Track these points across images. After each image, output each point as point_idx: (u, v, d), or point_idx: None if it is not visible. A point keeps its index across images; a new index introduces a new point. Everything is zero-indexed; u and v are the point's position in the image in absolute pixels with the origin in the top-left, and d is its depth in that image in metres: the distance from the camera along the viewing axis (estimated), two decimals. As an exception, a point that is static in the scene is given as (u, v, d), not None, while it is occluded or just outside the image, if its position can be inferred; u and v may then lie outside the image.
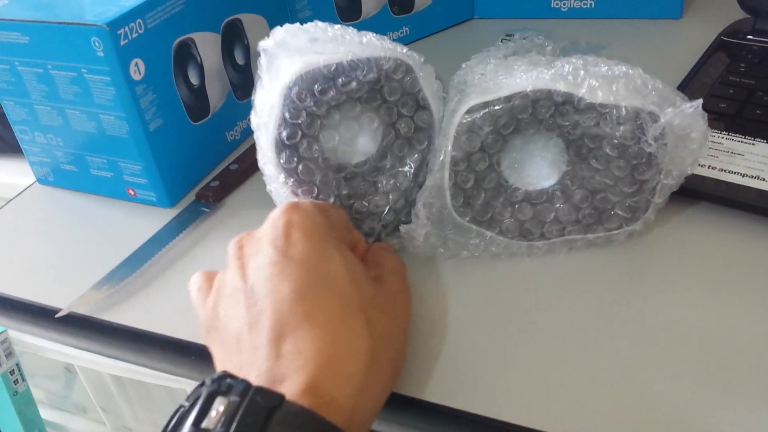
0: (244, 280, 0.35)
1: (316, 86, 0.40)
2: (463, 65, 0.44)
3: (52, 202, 0.55)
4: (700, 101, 0.38)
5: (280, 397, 0.29)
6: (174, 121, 0.51)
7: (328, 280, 0.34)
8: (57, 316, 0.44)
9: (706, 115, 0.38)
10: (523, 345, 0.38)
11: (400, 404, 0.36)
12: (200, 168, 0.55)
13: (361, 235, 0.41)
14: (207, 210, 0.51)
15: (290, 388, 0.30)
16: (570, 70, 0.38)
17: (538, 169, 0.42)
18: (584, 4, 0.70)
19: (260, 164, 0.43)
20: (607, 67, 0.39)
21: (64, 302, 0.44)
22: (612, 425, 0.34)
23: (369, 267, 0.38)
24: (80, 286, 0.45)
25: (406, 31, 0.70)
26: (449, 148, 0.40)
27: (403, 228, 0.42)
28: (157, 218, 0.50)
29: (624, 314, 0.39)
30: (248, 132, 0.58)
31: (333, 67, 0.40)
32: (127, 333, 0.43)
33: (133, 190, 0.52)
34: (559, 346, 0.38)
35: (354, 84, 0.40)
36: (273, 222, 0.36)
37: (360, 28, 0.67)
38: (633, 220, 0.42)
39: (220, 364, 0.34)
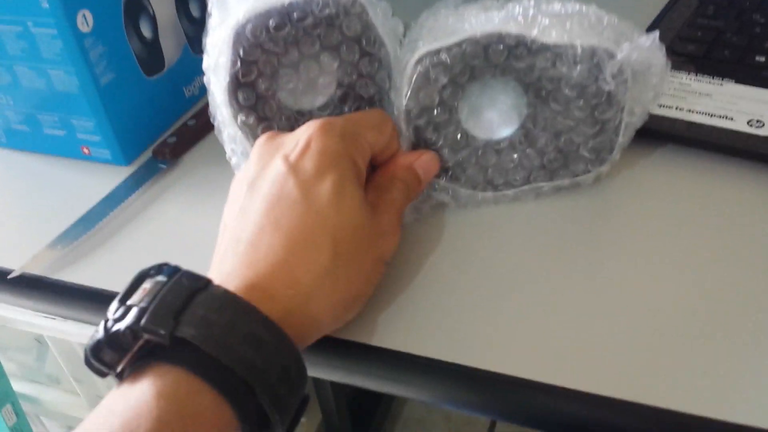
0: (251, 179, 0.36)
1: (270, 21, 0.38)
2: (412, 23, 0.42)
3: (4, 164, 0.53)
4: (656, 33, 0.37)
5: (206, 281, 0.30)
6: (126, 75, 0.49)
7: (312, 198, 0.34)
8: (9, 277, 0.43)
9: (663, 47, 0.37)
10: (494, 293, 0.37)
11: (365, 352, 0.36)
12: (157, 124, 0.53)
13: (395, 139, 0.40)
14: (164, 167, 0.49)
15: (234, 282, 0.31)
16: (521, 11, 0.37)
17: (499, 115, 0.41)
18: (553, -49, 0.68)
19: (211, 109, 0.41)
20: (560, 6, 0.37)
21: (17, 263, 0.43)
22: (584, 369, 0.33)
23: (374, 188, 0.38)
24: (34, 247, 0.44)
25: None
26: (404, 101, 0.39)
27: None
28: (113, 176, 0.49)
29: (594, 259, 0.39)
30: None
31: (287, 3, 0.38)
32: (83, 292, 0.42)
33: (87, 148, 0.50)
34: (531, 293, 0.37)
35: (310, 19, 0.39)
36: (296, 136, 0.36)
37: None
38: (599, 162, 0.41)
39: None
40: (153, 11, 0.50)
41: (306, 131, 0.36)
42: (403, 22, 0.59)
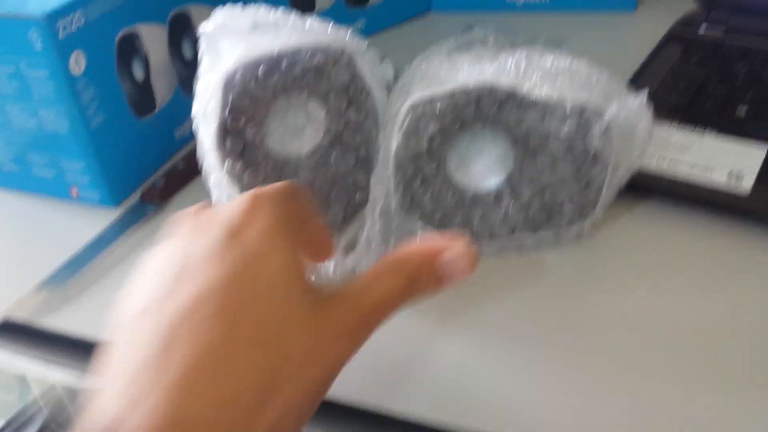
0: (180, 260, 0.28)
1: (260, 69, 0.39)
2: (406, 67, 0.43)
3: (-8, 204, 0.53)
4: (645, 93, 0.37)
5: None
6: (117, 116, 0.49)
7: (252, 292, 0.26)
8: (-6, 320, 0.42)
9: (651, 107, 0.38)
10: (475, 346, 0.38)
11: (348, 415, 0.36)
12: (146, 166, 0.53)
13: (326, 232, 0.34)
14: (152, 210, 0.49)
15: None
16: (513, 64, 0.38)
17: (486, 166, 0.41)
18: (540, -3, 0.69)
19: (199, 154, 0.41)
20: (551, 60, 0.38)
21: (2, 306, 0.43)
22: (566, 424, 0.33)
23: (370, 274, 0.30)
24: (20, 290, 0.44)
25: (361, 24, 0.69)
26: (393, 147, 0.39)
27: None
28: (101, 219, 0.49)
29: (575, 312, 0.39)
30: (198, 128, 0.57)
31: (276, 51, 0.39)
32: (68, 338, 0.42)
33: (76, 189, 0.50)
34: (512, 345, 0.37)
35: (299, 68, 0.39)
36: (229, 211, 0.29)
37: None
38: (582, 217, 0.42)
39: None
40: (146, 53, 0.51)
41: (239, 206, 0.29)
42: (395, 65, 0.60)
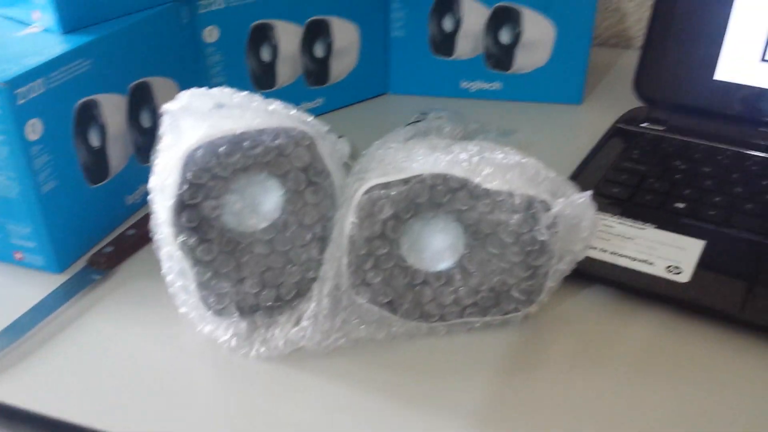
0: None
1: (221, 148, 0.39)
2: (363, 152, 0.44)
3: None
4: (589, 193, 0.39)
5: None
6: (69, 183, 0.49)
7: None
8: (-77, 388, 0.41)
9: (594, 205, 0.40)
10: (424, 423, 0.38)
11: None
12: (95, 232, 0.53)
13: None
14: (98, 277, 0.48)
15: None
16: (467, 156, 0.39)
17: (438, 251, 0.42)
18: (491, 86, 0.72)
19: (152, 225, 0.41)
20: (502, 155, 0.40)
21: (-67, 373, 0.41)
22: None
23: None
24: (-47, 356, 0.42)
25: (320, 102, 0.71)
26: (347, 230, 0.40)
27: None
28: (45, 284, 0.48)
29: (520, 394, 0.40)
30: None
31: (239, 132, 0.39)
32: (4, 408, 0.40)
33: (20, 253, 0.49)
34: (456, 423, 0.38)
35: (260, 148, 0.40)
36: None
37: (275, 97, 0.68)
38: (528, 303, 0.43)
39: None
40: (104, 121, 0.51)
41: None
42: (351, 142, 0.62)
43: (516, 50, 0.70)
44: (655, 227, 0.50)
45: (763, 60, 0.60)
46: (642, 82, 0.65)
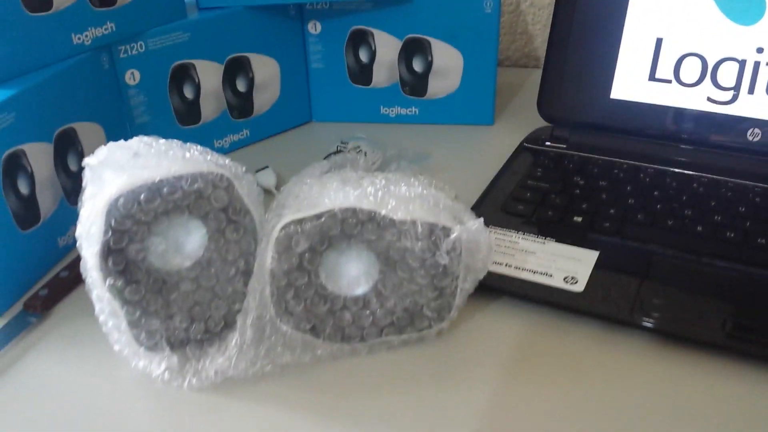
0: None
1: (142, 195, 0.42)
2: (282, 188, 0.48)
3: None
4: (481, 220, 0.44)
5: None
6: (1, 230, 0.51)
7: None
8: None
9: (488, 230, 0.44)
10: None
11: None
12: (29, 276, 0.54)
13: None
14: (34, 320, 0.51)
15: None
16: (373, 190, 0.43)
17: (354, 278, 0.46)
18: (409, 111, 0.77)
19: (82, 270, 0.44)
20: (406, 188, 0.44)
21: None
22: None
23: None
24: None
25: (246, 133, 0.74)
26: (268, 264, 0.43)
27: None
28: (-18, 330, 0.50)
29: (438, 405, 0.43)
30: (83, 236, 0.59)
31: (157, 179, 0.42)
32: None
33: (-45, 301, 0.51)
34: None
35: (179, 193, 0.43)
36: None
37: (200, 132, 0.71)
38: (439, 320, 0.47)
39: None
40: (32, 169, 0.53)
41: None
42: (276, 171, 0.65)
43: (429, 77, 0.74)
44: (555, 241, 0.55)
45: (651, 79, 0.66)
46: (544, 103, 0.70)
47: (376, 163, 0.65)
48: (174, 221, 0.44)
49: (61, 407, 0.44)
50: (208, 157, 0.45)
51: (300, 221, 0.43)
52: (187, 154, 0.44)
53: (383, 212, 0.43)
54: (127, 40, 0.63)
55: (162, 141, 0.45)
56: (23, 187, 0.52)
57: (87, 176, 0.44)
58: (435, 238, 0.43)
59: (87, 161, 0.44)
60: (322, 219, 0.43)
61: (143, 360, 0.45)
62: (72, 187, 0.57)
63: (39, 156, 0.54)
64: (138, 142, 0.44)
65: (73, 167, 0.57)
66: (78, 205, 0.44)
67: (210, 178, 0.43)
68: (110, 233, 0.42)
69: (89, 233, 0.42)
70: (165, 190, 0.42)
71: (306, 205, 0.44)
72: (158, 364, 0.45)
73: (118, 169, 0.42)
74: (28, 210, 0.53)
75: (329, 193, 0.45)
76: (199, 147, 0.45)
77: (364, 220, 0.43)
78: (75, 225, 0.58)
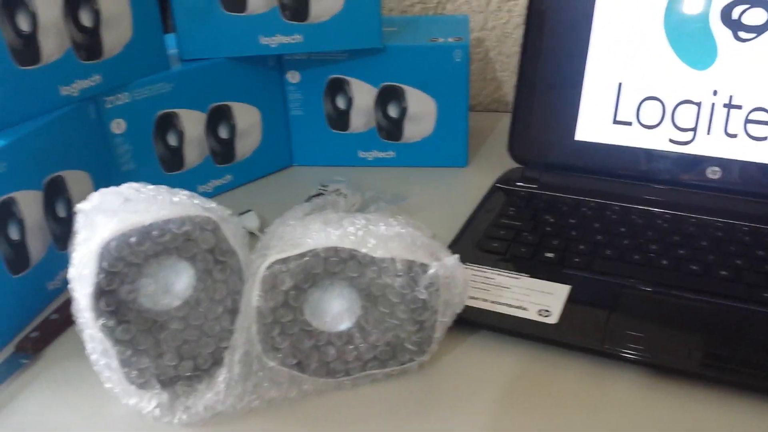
0: None
1: (132, 239, 0.44)
2: (265, 230, 0.50)
3: None
4: (457, 256, 0.46)
5: None
6: (-8, 276, 0.52)
7: None
8: None
9: (464, 266, 0.46)
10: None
11: None
12: (20, 319, 0.56)
13: None
14: (26, 361, 0.52)
15: None
16: (354, 230, 0.46)
17: (337, 313, 0.48)
18: (387, 154, 0.80)
19: (74, 310, 0.45)
20: (385, 227, 0.46)
21: None
22: None
23: None
24: None
25: (229, 178, 0.77)
26: (254, 302, 0.45)
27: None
28: (-28, 374, 0.51)
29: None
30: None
31: (147, 223, 0.44)
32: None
33: (-54, 346, 0.52)
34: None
35: (168, 236, 0.45)
36: None
37: (184, 177, 0.73)
38: (420, 353, 0.49)
39: None
40: (22, 217, 0.55)
41: None
42: (259, 214, 0.67)
43: (404, 122, 0.77)
44: (529, 276, 0.57)
45: (615, 122, 0.70)
46: (514, 146, 0.73)
47: (356, 204, 0.67)
48: (163, 263, 0.46)
49: (53, 447, 0.46)
50: (195, 201, 0.47)
51: (284, 260, 0.46)
52: (175, 199, 0.46)
53: (364, 251, 0.45)
54: (112, 91, 0.65)
55: (150, 186, 0.47)
56: (14, 233, 0.54)
57: (79, 221, 0.45)
58: (413, 274, 0.45)
59: (80, 207, 0.46)
60: (306, 258, 0.45)
61: (134, 397, 0.47)
62: (61, 233, 0.59)
63: (29, 203, 0.55)
64: (128, 188, 0.46)
65: (61, 214, 0.59)
66: (69, 249, 0.46)
67: (197, 221, 0.45)
68: (103, 275, 0.44)
69: (82, 275, 0.44)
70: (155, 233, 0.44)
71: (290, 245, 0.47)
72: (149, 401, 0.47)
73: (109, 214, 0.44)
74: (18, 255, 0.55)
75: (312, 233, 0.47)
76: (186, 192, 0.47)
77: (346, 258, 0.46)
78: (64, 270, 0.60)
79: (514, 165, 0.74)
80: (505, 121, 0.84)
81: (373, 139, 0.79)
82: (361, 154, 0.80)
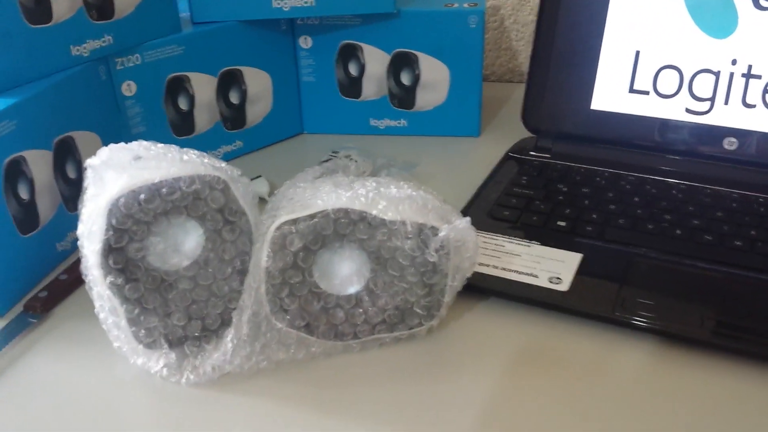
0: None
1: (141, 196, 0.44)
2: (276, 192, 0.50)
3: None
4: (468, 219, 0.46)
5: None
6: (2, 234, 0.52)
7: None
8: None
9: (474, 229, 0.46)
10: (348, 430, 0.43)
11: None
12: (29, 279, 0.56)
13: None
14: (35, 321, 0.52)
15: None
16: (364, 192, 0.45)
17: (346, 276, 0.47)
18: (398, 123, 0.79)
19: (83, 269, 0.45)
20: (396, 190, 0.46)
21: None
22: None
23: None
24: None
25: (239, 144, 0.76)
26: (263, 262, 0.45)
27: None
28: (-18, 331, 0.51)
29: (429, 400, 0.45)
30: (80, 242, 0.60)
31: (157, 180, 0.44)
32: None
33: (-44, 303, 0.52)
34: (379, 428, 0.43)
35: (178, 194, 0.44)
36: None
37: (194, 143, 0.73)
38: (429, 317, 0.49)
39: None
40: (32, 175, 0.54)
41: None
42: (270, 180, 0.66)
43: (416, 90, 0.76)
44: (540, 244, 0.57)
45: (631, 91, 0.68)
46: (528, 115, 0.72)
47: (367, 171, 0.67)
48: (172, 221, 0.46)
49: (61, 404, 0.46)
50: (205, 160, 0.46)
51: (294, 221, 0.45)
52: (185, 157, 0.46)
53: (374, 212, 0.45)
54: (124, 53, 0.64)
55: (161, 145, 0.46)
56: (23, 193, 0.54)
57: (89, 177, 0.45)
58: (424, 237, 0.45)
59: (89, 162, 0.45)
60: (316, 219, 0.45)
61: (142, 357, 0.47)
62: (70, 194, 0.59)
63: (39, 163, 0.55)
64: (138, 145, 0.46)
65: (71, 175, 0.59)
66: (79, 206, 0.45)
67: (207, 180, 0.45)
68: (111, 232, 0.43)
69: (91, 232, 0.44)
70: (164, 190, 0.44)
71: (300, 207, 0.46)
72: (157, 361, 0.47)
73: (119, 170, 0.44)
74: (28, 215, 0.55)
75: (322, 195, 0.47)
76: (196, 151, 0.47)
77: (356, 220, 0.45)
78: (73, 231, 0.60)
79: (527, 136, 0.73)
80: (518, 92, 0.84)
81: (385, 107, 0.78)
82: (373, 123, 0.79)
